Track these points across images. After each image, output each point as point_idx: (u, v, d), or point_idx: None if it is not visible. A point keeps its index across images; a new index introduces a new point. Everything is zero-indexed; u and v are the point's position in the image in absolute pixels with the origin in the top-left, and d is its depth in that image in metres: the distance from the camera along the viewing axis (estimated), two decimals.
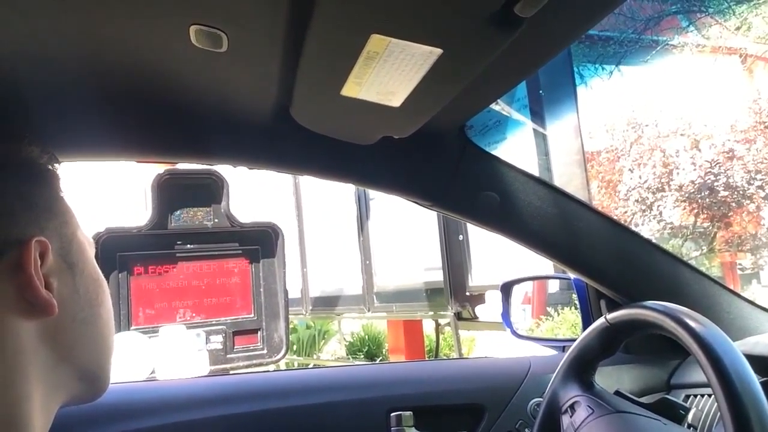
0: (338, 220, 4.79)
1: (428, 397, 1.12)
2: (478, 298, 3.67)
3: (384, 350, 7.45)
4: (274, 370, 3.02)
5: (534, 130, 3.23)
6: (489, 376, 1.20)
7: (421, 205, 1.06)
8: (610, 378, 1.10)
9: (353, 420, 1.08)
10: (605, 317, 0.85)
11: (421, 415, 1.09)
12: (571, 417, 0.86)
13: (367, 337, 7.88)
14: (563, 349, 1.26)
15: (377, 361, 6.59)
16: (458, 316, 3.77)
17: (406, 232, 4.07)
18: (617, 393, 0.88)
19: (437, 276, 3.76)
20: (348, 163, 0.97)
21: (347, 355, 7.75)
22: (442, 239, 3.66)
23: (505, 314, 1.41)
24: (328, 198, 4.93)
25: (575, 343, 0.91)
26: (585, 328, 0.94)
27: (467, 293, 3.63)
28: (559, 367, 0.93)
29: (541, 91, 3.30)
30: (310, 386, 1.12)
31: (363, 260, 4.53)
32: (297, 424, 1.05)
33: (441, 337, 5.11)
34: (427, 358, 5.25)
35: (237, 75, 0.76)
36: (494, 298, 3.47)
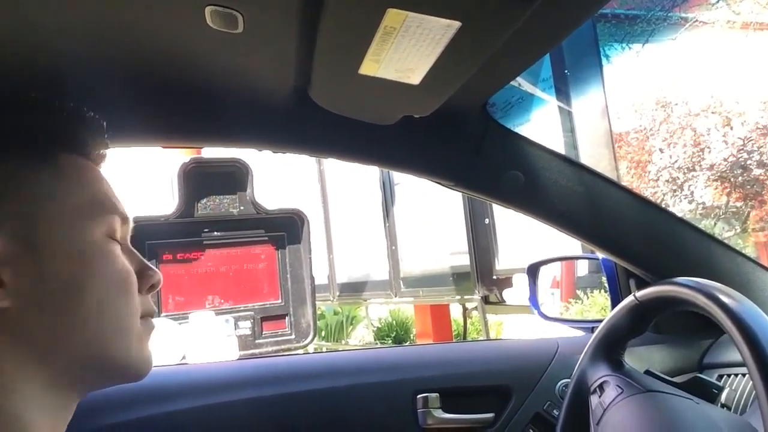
0: (364, 205, 4.79)
1: (455, 379, 1.12)
2: (506, 282, 3.64)
3: (412, 335, 7.47)
4: (302, 354, 3.05)
5: (559, 108, 3.18)
6: (516, 358, 1.19)
7: (443, 185, 1.05)
8: (639, 358, 1.08)
9: (380, 402, 1.08)
10: (634, 295, 0.83)
11: (447, 397, 1.09)
12: (600, 397, 0.84)
13: (394, 322, 7.90)
14: (592, 330, 1.24)
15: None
16: (485, 300, 3.75)
17: (432, 217, 4.05)
18: (647, 372, 0.87)
19: (464, 260, 3.75)
20: (369, 143, 0.96)
21: (375, 340, 7.78)
22: (468, 223, 3.64)
23: (533, 296, 1.40)
24: (353, 183, 4.92)
25: (604, 322, 0.90)
26: (614, 308, 0.92)
27: (494, 277, 3.61)
28: (587, 347, 0.91)
29: (567, 71, 3.24)
30: (337, 369, 1.13)
31: (389, 245, 4.53)
32: (324, 407, 1.05)
33: (468, 321, 5.09)
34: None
35: (254, 56, 0.75)
36: (521, 281, 3.45)
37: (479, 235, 3.61)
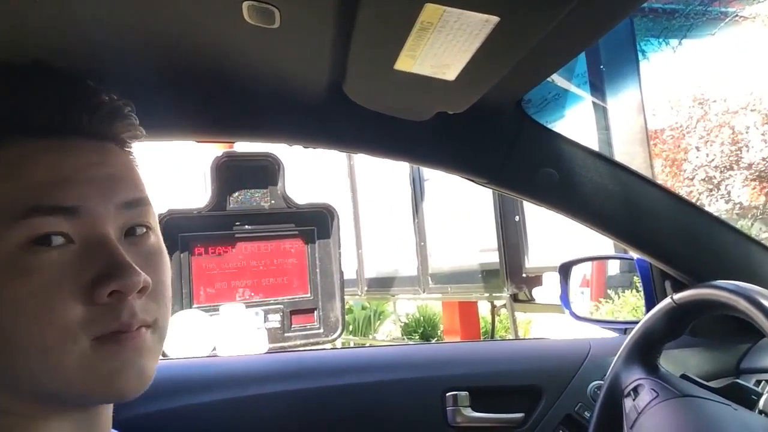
0: (393, 201, 4.79)
1: (484, 378, 1.11)
2: (535, 280, 3.61)
3: (439, 331, 7.46)
4: (331, 349, 3.07)
5: (594, 104, 3.13)
6: (547, 358, 1.17)
7: (476, 182, 1.04)
8: (675, 361, 1.05)
9: (409, 399, 1.08)
10: (672, 297, 0.81)
11: (477, 396, 1.08)
12: (634, 400, 0.83)
13: (422, 318, 7.90)
14: (625, 331, 1.22)
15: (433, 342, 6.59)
16: (514, 298, 3.73)
17: (462, 213, 4.04)
18: (683, 376, 0.85)
19: (493, 257, 3.72)
20: (402, 140, 0.96)
21: (402, 335, 7.79)
22: (497, 220, 3.62)
23: (564, 296, 1.38)
24: (383, 179, 4.93)
25: (639, 324, 0.88)
26: (648, 309, 0.91)
27: (524, 275, 3.58)
28: (621, 349, 0.90)
29: (602, 67, 3.19)
30: (366, 365, 1.13)
31: (418, 241, 4.53)
32: (353, 402, 1.06)
33: (497, 319, 5.07)
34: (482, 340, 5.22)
35: (290, 52, 0.75)
36: (551, 279, 3.41)
37: (509, 232, 3.59)
